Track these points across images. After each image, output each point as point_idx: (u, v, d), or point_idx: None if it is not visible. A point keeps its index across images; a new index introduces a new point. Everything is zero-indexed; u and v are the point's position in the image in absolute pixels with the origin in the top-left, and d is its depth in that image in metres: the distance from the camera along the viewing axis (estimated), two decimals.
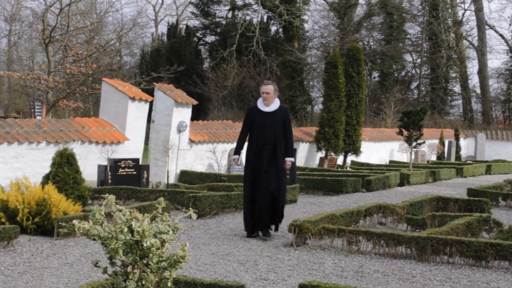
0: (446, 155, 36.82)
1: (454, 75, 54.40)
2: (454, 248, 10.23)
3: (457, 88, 55.70)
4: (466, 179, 26.85)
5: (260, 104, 12.06)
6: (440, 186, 23.18)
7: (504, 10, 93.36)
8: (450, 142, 37.28)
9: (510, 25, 53.14)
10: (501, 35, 57.44)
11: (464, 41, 56.35)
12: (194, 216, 5.55)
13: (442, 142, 36.37)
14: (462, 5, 57.05)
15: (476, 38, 55.85)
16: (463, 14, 56.59)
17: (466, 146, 41.95)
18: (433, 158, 36.35)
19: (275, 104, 12.05)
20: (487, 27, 56.08)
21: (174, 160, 20.51)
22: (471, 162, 35.08)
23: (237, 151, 12.43)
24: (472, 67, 61.95)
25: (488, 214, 13.72)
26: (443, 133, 36.97)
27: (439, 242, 10.34)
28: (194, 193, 14.81)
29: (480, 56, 54.70)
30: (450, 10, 54.03)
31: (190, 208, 5.73)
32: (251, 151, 12.03)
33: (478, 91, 56.00)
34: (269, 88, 12.00)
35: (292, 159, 12.31)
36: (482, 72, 54.50)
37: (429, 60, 53.09)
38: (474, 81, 57.65)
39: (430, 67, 53.51)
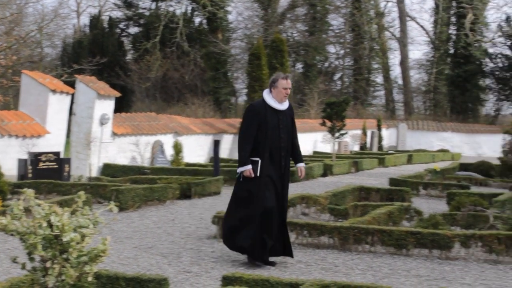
0: (368, 145, 37.29)
1: (376, 66, 54.99)
2: (376, 237, 10.40)
3: (379, 79, 56.37)
4: (388, 169, 27.24)
5: (272, 100, 9.56)
6: (363, 176, 23.48)
7: (425, 1, 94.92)
8: (372, 133, 37.75)
9: (431, 16, 53.75)
10: (422, 26, 58.35)
11: (386, 32, 57.02)
12: (115, 209, 5.53)
13: (364, 133, 36.85)
14: None
15: (398, 29, 56.62)
16: (385, 6, 57.31)
17: (388, 136, 42.53)
18: (356, 148, 36.75)
19: (286, 101, 9.78)
20: (408, 18, 56.88)
21: (96, 153, 20.31)
22: (393, 152, 35.65)
23: (248, 158, 9.40)
24: (394, 58, 63.07)
25: (409, 203, 13.98)
26: (366, 124, 37.45)
27: (361, 231, 10.49)
28: (117, 186, 14.70)
29: (402, 47, 55.46)
30: (372, 2, 54.59)
31: (111, 202, 5.70)
32: (262, 159, 9.42)
33: (400, 81, 56.76)
34: (290, 83, 9.70)
35: (304, 164, 10.14)
36: (403, 63, 55.29)
37: (352, 51, 53.61)
38: (396, 72, 58.71)
39: (353, 58, 54.01)
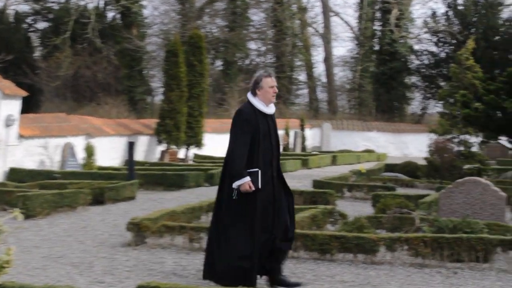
0: (291, 146, 37.48)
1: (299, 63, 55.25)
2: (299, 242, 10.45)
3: (302, 77, 56.66)
4: (312, 171, 27.42)
5: (260, 104, 8.81)
6: (286, 178, 23.33)
7: None
8: (295, 133, 37.97)
9: (355, 11, 54.38)
10: (346, 22, 58.88)
11: (309, 28, 57.37)
12: (20, 217, 5.44)
13: (287, 133, 37.03)
14: None
15: (322, 25, 56.98)
16: (308, 0, 57.63)
17: (312, 136, 42.79)
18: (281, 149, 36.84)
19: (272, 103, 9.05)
20: (332, 13, 57.32)
21: (1, 157, 19.95)
22: (317, 152, 35.90)
23: (244, 170, 8.48)
24: (318, 55, 63.38)
25: (333, 206, 14.13)
26: (289, 124, 37.64)
27: None
28: (24, 192, 14.47)
29: (326, 44, 55.88)
30: None
31: (16, 209, 5.60)
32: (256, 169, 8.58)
33: (324, 79, 57.17)
34: (275, 80, 9.06)
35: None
36: (327, 60, 55.72)
37: (273, 48, 53.72)
38: (319, 69, 58.87)
39: (275, 55, 54.13)
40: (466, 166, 22.34)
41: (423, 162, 23.99)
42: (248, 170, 8.47)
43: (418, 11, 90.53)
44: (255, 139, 8.62)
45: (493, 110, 19.77)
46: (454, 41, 46.76)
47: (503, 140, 21.50)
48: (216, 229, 8.66)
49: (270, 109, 8.88)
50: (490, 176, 21.44)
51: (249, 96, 8.92)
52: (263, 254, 8.46)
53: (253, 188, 8.40)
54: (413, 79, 52.14)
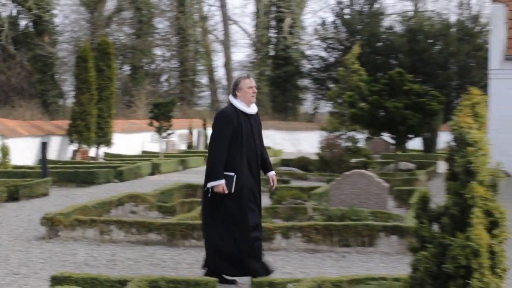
0: (195, 144, 37.44)
1: (201, 67, 55.23)
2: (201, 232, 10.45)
3: (204, 80, 56.61)
4: None
5: (242, 105, 8.45)
6: (190, 173, 23.53)
7: (247, 6, 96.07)
8: (198, 132, 37.92)
9: (252, 20, 54.60)
10: (244, 30, 59.08)
11: (210, 35, 57.38)
12: None
13: (191, 132, 36.96)
14: (207, 1, 58.22)
15: (222, 32, 57.10)
16: (208, 10, 57.66)
17: None
18: (183, 147, 36.80)
19: (254, 103, 8.73)
20: (231, 22, 57.44)
21: None
22: None
23: (221, 171, 8.19)
24: (218, 60, 63.55)
25: None
26: (192, 123, 37.56)
27: (188, 227, 10.53)
28: None
29: (225, 50, 55.94)
30: (196, 6, 54.79)
31: None
32: (240, 168, 8.29)
33: (224, 82, 57.25)
34: (253, 81, 8.71)
35: (274, 172, 9.02)
36: (227, 64, 55.81)
37: (177, 54, 53.55)
38: (220, 73, 59.01)
39: (179, 60, 53.96)
40: (353, 160, 22.70)
41: (315, 157, 24.25)
42: (225, 173, 8.18)
43: (309, 20, 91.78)
44: (237, 139, 8.31)
45: (376, 109, 20.10)
46: (341, 47, 47.41)
47: (386, 136, 21.89)
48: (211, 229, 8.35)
49: (252, 109, 8.56)
50: (374, 168, 21.81)
51: (230, 98, 8.60)
52: (243, 254, 8.17)
53: (226, 191, 8.10)
54: (305, 81, 52.70)
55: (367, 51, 42.70)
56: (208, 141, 8.95)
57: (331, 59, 49.71)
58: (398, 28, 47.86)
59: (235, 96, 8.52)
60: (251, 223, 8.21)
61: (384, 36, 46.82)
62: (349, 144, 23.56)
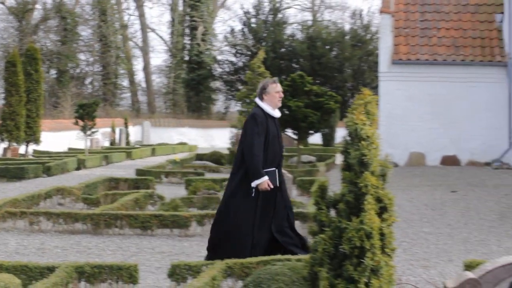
0: (117, 141, 37.01)
1: (122, 71, 54.66)
2: (124, 221, 10.37)
3: (125, 83, 56.02)
4: (135, 161, 27.17)
5: (269, 108, 8.09)
6: (113, 168, 23.25)
7: (163, 15, 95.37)
8: (120, 130, 37.50)
9: (168, 28, 54.25)
10: (161, 37, 58.76)
11: (130, 42, 56.85)
12: None
13: (113, 130, 36.53)
14: (127, 11, 57.64)
15: (140, 39, 56.70)
16: (128, 19, 57.13)
17: (135, 132, 42.37)
18: (107, 144, 36.33)
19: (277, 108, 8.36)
20: (149, 30, 57.07)
21: None
22: (139, 146, 35.61)
23: (262, 169, 7.83)
24: (138, 64, 62.90)
25: (152, 190, 14.08)
26: (114, 122, 37.11)
27: (111, 217, 10.43)
28: None
29: (144, 55, 55.65)
30: (117, 15, 54.21)
31: None
32: (267, 168, 7.93)
33: (144, 85, 56.85)
34: (280, 86, 8.38)
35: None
36: (146, 68, 55.53)
37: (100, 59, 52.85)
38: (140, 76, 58.44)
39: (101, 65, 53.28)
40: None
41: (227, 152, 24.28)
42: (266, 170, 7.84)
43: (220, 28, 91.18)
44: (266, 141, 7.95)
45: (281, 108, 20.22)
46: (249, 53, 47.56)
47: (289, 132, 22.03)
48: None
49: (277, 113, 8.20)
50: None
51: (257, 101, 8.18)
52: (264, 243, 7.90)
53: (272, 186, 7.78)
54: (217, 83, 52.69)
55: (272, 56, 43.00)
56: (237, 142, 8.38)
57: (240, 63, 49.81)
58: (299, 35, 48.29)
59: (261, 99, 8.14)
60: (281, 215, 8.02)
61: (286, 43, 47.16)
62: None
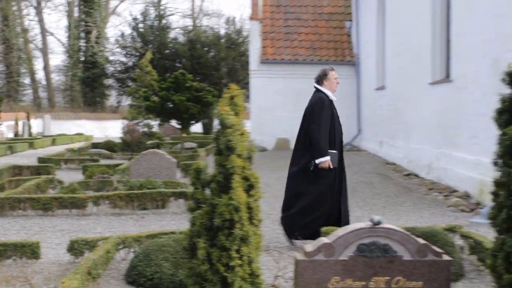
0: (21, 132, 35.73)
1: (24, 70, 52.78)
2: (27, 203, 10.04)
3: (27, 81, 54.19)
4: (37, 150, 26.25)
5: (329, 92, 7.87)
6: (17, 157, 22.38)
7: (60, 20, 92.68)
8: (23, 123, 36.22)
9: (65, 32, 52.80)
10: (59, 40, 57.26)
11: (31, 44, 54.94)
12: None
13: (17, 123, 35.25)
14: (28, 17, 55.84)
15: (40, 42, 55.00)
16: (29, 24, 55.31)
17: (37, 125, 40.95)
18: (11, 135, 34.97)
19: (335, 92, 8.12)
20: (48, 33, 55.44)
21: None
22: (40, 137, 34.46)
23: (327, 149, 7.65)
24: (38, 64, 61.03)
25: (53, 176, 13.69)
26: (18, 116, 35.82)
27: (15, 200, 10.07)
28: None
29: (44, 56, 54.05)
30: (18, 20, 52.21)
31: None
32: (333, 148, 7.78)
33: (44, 82, 55.22)
34: None
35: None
36: (46, 68, 54.00)
37: (4, 59, 50.78)
38: (40, 75, 56.72)
39: (5, 65, 51.21)
40: (149, 142, 22.58)
41: (119, 141, 23.90)
42: (330, 151, 7.61)
43: (112, 32, 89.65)
44: (331, 123, 7.73)
45: (165, 101, 20.08)
46: (137, 54, 46.74)
47: (173, 122, 21.89)
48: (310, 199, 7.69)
49: (334, 98, 7.95)
50: (165, 148, 21.84)
51: (318, 86, 7.95)
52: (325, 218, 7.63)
53: (332, 167, 7.59)
54: (110, 81, 51.66)
55: (158, 57, 42.53)
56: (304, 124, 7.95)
57: (130, 63, 48.92)
58: (181, 39, 47.95)
59: (321, 84, 7.93)
60: (343, 192, 7.84)
61: (170, 45, 46.71)
62: (145, 129, 23.42)
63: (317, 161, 7.57)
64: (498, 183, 3.78)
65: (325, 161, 7.56)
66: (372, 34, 21.15)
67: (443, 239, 6.28)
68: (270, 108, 23.16)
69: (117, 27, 72.85)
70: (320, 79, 7.95)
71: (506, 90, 3.84)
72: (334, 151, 7.72)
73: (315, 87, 7.99)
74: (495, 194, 3.79)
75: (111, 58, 51.21)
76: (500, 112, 3.82)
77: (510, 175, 3.65)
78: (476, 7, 11.80)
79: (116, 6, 60.30)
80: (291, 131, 23.17)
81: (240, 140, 4.09)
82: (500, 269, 3.69)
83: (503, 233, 3.72)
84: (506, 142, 3.69)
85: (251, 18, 23.94)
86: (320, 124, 7.65)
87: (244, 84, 37.64)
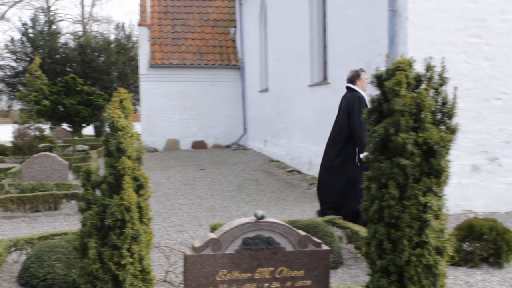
0: None
1: None
2: None
3: None
4: None
5: (362, 92, 8.18)
6: None
7: None
8: None
9: None
10: None
11: None
12: None
13: None
14: None
15: None
16: None
17: None
18: None
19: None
20: None
21: None
22: None
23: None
24: None
25: None
26: None
27: None
28: None
29: None
30: None
31: None
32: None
33: None
34: None
35: None
36: None
37: None
38: None
39: None
40: (41, 145, 21.76)
41: (11, 144, 22.92)
42: None
43: (1, 37, 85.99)
44: None
45: (56, 105, 19.48)
46: (27, 59, 44.92)
47: (65, 126, 21.22)
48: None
49: (366, 96, 7.98)
50: (57, 151, 21.13)
51: (351, 86, 8.18)
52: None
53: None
54: (0, 86, 49.47)
55: (49, 62, 41.18)
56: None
57: (20, 68, 46.96)
58: (72, 44, 46.60)
59: (354, 84, 8.17)
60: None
61: (61, 50, 45.27)
62: (37, 133, 22.56)
63: (361, 155, 7.86)
64: (370, 177, 3.92)
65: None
66: (255, 40, 21.41)
67: (323, 230, 6.45)
68: (160, 110, 22.97)
69: (6, 32, 69.75)
70: (354, 79, 8.23)
71: (375, 92, 4.00)
72: None
73: (348, 87, 8.26)
74: (367, 187, 3.93)
75: (0, 63, 49.02)
76: (370, 112, 3.96)
77: (380, 169, 3.79)
78: (349, 15, 12.20)
79: (5, 12, 57.76)
80: (180, 132, 23.16)
81: (130, 142, 4.03)
82: (373, 256, 3.83)
83: (375, 223, 3.86)
84: (375, 139, 3.83)
85: (140, 24, 23.62)
86: (361, 121, 7.76)
87: (135, 88, 37.13)
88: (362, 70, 8.36)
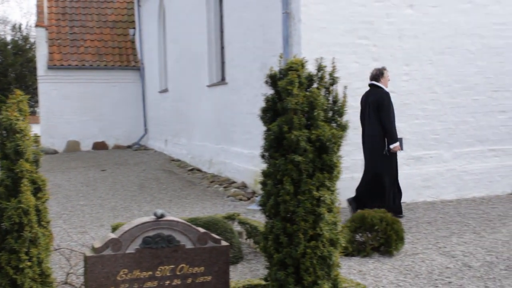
0: None
1: None
2: None
3: None
4: None
5: (386, 88, 8.73)
6: None
7: None
8: None
9: None
10: None
11: None
12: None
13: None
14: None
15: None
16: None
17: None
18: None
19: None
20: None
21: None
22: None
23: (397, 135, 8.56)
24: None
25: None
26: None
27: None
28: None
29: None
30: None
31: None
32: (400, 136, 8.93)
33: None
34: None
35: None
36: None
37: None
38: None
39: None
40: None
41: None
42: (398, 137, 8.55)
43: None
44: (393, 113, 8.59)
45: None
46: None
47: None
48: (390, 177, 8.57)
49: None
50: None
51: (376, 83, 8.71)
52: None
53: (401, 150, 8.66)
54: None
55: None
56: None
57: None
58: None
59: (378, 81, 8.68)
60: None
61: None
62: None
63: (391, 146, 8.44)
64: (266, 174, 3.97)
65: (396, 145, 8.49)
66: (154, 41, 21.18)
67: (223, 226, 6.48)
68: (60, 112, 22.29)
69: None
70: (378, 77, 8.76)
71: (269, 91, 4.06)
72: (401, 137, 8.75)
73: (373, 84, 8.75)
74: (263, 183, 3.98)
75: None
76: (265, 111, 4.02)
77: (275, 166, 3.85)
78: (245, 17, 12.31)
79: None
80: (81, 133, 22.57)
81: (28, 145, 3.89)
82: (270, 250, 3.88)
83: (272, 218, 3.92)
84: (270, 137, 3.89)
85: (37, 25, 22.80)
86: (390, 115, 8.52)
87: (33, 89, 35.80)
88: (384, 68, 8.91)
